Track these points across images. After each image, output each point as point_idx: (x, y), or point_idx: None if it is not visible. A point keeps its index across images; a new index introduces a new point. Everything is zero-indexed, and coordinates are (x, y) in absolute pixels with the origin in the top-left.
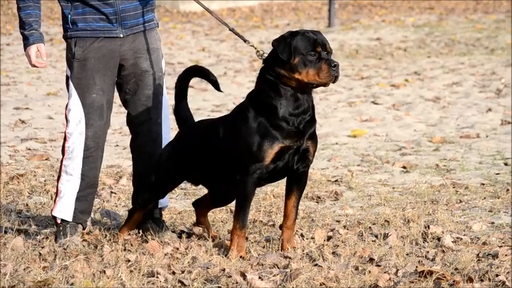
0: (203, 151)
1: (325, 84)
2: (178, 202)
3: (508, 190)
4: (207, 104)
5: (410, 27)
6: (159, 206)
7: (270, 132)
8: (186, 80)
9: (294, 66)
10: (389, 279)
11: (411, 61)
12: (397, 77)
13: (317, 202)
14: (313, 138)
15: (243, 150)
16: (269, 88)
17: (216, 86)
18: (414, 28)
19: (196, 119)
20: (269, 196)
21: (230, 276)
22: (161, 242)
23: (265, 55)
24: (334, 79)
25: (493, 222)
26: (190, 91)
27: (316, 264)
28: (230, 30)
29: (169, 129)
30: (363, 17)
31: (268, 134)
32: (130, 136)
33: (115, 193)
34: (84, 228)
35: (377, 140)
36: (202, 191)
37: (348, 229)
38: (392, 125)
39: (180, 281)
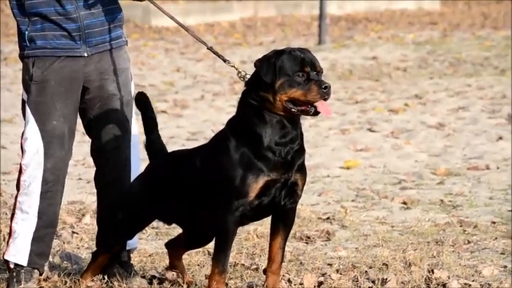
0: (178, 185)
1: None
2: (149, 243)
3: None
4: (181, 131)
5: (410, 44)
6: (127, 248)
7: (254, 164)
8: (146, 105)
9: (278, 89)
10: None
11: (411, 83)
12: (396, 100)
13: (306, 243)
14: (302, 170)
15: (223, 184)
16: (252, 114)
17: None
18: (415, 45)
19: (170, 148)
20: (252, 236)
21: None
22: None
23: (248, 77)
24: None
25: (505, 266)
26: (163, 117)
27: None
28: (208, 48)
29: (139, 160)
30: (357, 33)
31: (252, 166)
32: (94, 168)
33: (77, 233)
34: (41, 274)
35: (374, 172)
36: (176, 230)
37: (341, 273)
38: (391, 155)
39: None
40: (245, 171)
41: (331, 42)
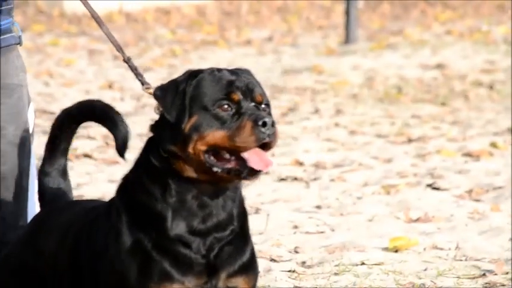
0: (59, 268)
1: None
2: None
3: None
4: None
5: (500, 43)
6: None
7: (155, 264)
8: (68, 127)
9: (190, 132)
10: None
11: (503, 108)
12: (477, 138)
13: None
14: (247, 272)
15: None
16: (151, 180)
17: (122, 146)
18: (507, 46)
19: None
20: None
21: None
22: None
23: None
24: (265, 148)
25: None
26: (86, 164)
27: None
28: (125, 60)
29: None
30: (411, 24)
31: (150, 266)
32: None
33: None
34: None
35: (439, 258)
36: None
37: None
38: (468, 228)
39: None
40: (140, 273)
41: (366, 39)
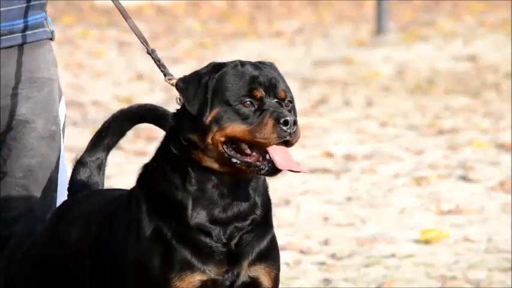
0: (80, 260)
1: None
2: None
3: None
4: None
5: None
6: None
7: (176, 253)
8: (122, 125)
9: (210, 124)
10: None
11: None
12: (508, 130)
13: None
14: (266, 260)
15: (130, 279)
16: (172, 169)
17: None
18: None
19: None
20: None
21: None
22: None
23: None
24: (286, 145)
25: None
26: (116, 156)
27: None
28: (148, 53)
29: None
30: (442, 16)
31: (171, 255)
32: None
33: None
34: None
35: (470, 250)
36: None
37: None
38: (500, 220)
39: None
40: (162, 261)
41: (397, 31)
